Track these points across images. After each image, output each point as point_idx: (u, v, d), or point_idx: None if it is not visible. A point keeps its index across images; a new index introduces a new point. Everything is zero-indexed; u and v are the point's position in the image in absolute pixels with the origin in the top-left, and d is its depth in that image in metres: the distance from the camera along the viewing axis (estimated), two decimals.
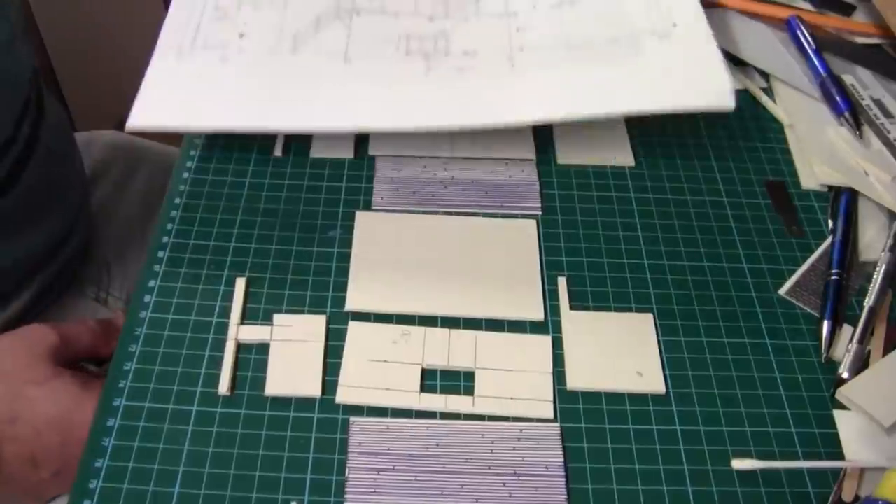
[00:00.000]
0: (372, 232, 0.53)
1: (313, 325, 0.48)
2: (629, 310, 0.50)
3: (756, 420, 0.45)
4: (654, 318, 0.49)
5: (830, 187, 0.57)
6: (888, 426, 0.44)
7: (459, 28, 0.56)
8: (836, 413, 0.46)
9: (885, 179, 0.56)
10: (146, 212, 0.73)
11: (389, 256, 0.51)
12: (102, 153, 0.76)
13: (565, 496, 0.42)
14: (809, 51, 0.65)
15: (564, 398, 0.46)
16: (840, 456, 0.44)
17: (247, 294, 0.49)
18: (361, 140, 0.59)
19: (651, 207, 0.55)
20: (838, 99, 0.61)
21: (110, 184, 0.75)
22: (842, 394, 0.46)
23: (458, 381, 0.46)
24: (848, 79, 0.64)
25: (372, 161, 0.57)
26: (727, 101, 0.51)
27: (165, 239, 0.52)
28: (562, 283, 0.50)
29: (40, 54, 1.27)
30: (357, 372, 0.46)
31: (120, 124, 0.78)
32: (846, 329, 0.49)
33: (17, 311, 0.62)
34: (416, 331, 0.48)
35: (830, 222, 0.55)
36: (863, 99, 0.62)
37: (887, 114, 0.61)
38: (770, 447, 0.44)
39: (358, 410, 0.45)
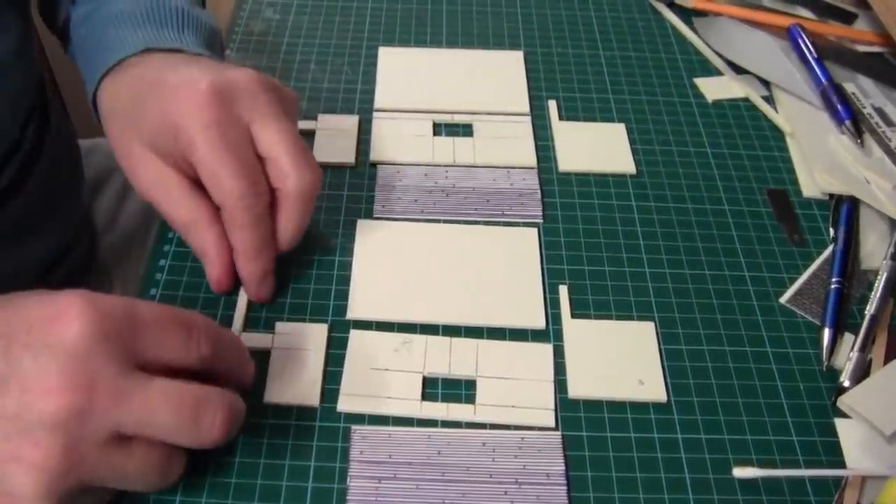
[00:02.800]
0: (373, 240, 0.53)
1: (315, 333, 0.48)
2: (630, 318, 0.50)
3: (757, 428, 0.45)
4: (656, 326, 0.49)
5: (832, 195, 0.57)
6: (889, 434, 0.44)
7: None
8: (838, 421, 0.46)
9: (886, 188, 0.56)
10: (147, 220, 0.73)
11: (391, 265, 0.51)
12: (104, 161, 0.77)
13: None
14: (811, 59, 0.65)
15: (566, 406, 0.46)
16: (841, 464, 0.44)
17: (249, 302, 0.49)
18: (363, 147, 0.59)
19: (652, 215, 0.56)
20: (839, 107, 0.61)
21: (112, 192, 0.75)
22: (843, 402, 0.46)
23: (460, 390, 0.46)
24: (849, 87, 0.64)
25: (373, 169, 0.57)
26: None
27: (166, 247, 0.52)
28: (563, 290, 0.50)
29: (41, 60, 1.27)
30: (358, 380, 0.46)
31: None
32: (847, 337, 0.49)
33: None
34: (418, 339, 0.48)
35: (832, 230, 0.55)
36: (864, 107, 0.63)
37: (889, 122, 0.61)
38: (771, 455, 0.44)
39: (359, 419, 0.45)
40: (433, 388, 0.46)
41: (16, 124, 0.55)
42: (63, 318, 0.34)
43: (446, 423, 0.45)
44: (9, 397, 0.33)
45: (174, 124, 0.44)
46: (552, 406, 0.45)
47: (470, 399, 0.46)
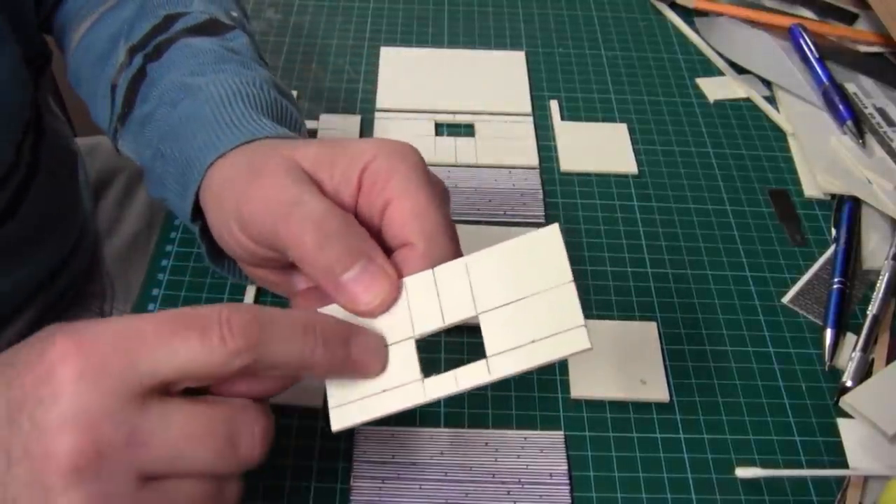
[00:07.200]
0: None
1: None
2: (633, 318, 0.50)
3: (760, 428, 0.45)
4: (658, 326, 0.49)
5: (833, 196, 0.57)
6: (892, 434, 0.44)
7: None
8: (840, 421, 0.46)
9: (887, 188, 0.56)
10: (149, 223, 0.73)
11: None
12: (105, 163, 0.76)
13: None
14: (812, 59, 0.65)
15: (569, 407, 0.46)
16: (844, 464, 0.44)
17: (255, 300, 0.49)
18: None
19: (654, 215, 0.56)
20: (841, 107, 0.61)
21: (114, 194, 0.75)
22: (845, 402, 0.46)
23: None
24: (851, 87, 0.64)
25: None
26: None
27: (168, 248, 0.52)
28: None
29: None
30: (346, 385, 0.37)
31: None
32: (849, 337, 0.49)
33: (19, 331, 0.61)
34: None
35: (833, 231, 0.55)
36: (865, 107, 0.63)
37: (890, 122, 0.61)
38: (774, 455, 0.44)
39: None
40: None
41: (12, 146, 0.54)
42: (50, 369, 0.30)
43: (448, 422, 0.45)
44: (19, 466, 0.29)
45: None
46: (580, 316, 0.32)
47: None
